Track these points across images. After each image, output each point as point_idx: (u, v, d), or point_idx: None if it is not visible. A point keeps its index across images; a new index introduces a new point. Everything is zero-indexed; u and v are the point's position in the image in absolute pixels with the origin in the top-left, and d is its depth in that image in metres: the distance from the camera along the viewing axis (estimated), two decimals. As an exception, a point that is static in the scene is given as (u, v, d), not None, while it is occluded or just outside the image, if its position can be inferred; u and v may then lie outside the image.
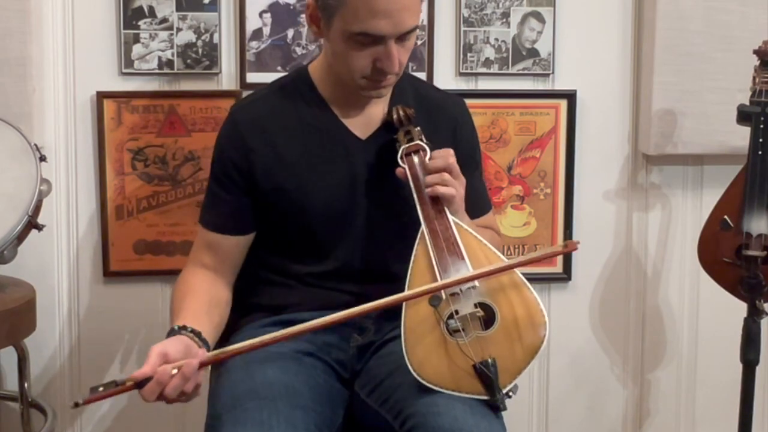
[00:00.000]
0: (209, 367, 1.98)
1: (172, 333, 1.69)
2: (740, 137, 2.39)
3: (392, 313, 1.76)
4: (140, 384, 1.55)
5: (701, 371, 2.79)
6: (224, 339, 1.95)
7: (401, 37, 1.75)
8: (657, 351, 2.77)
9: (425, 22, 2.52)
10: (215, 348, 1.74)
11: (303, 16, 2.46)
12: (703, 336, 2.77)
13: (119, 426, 2.61)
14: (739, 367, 2.38)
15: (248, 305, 1.95)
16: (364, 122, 1.92)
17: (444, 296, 1.67)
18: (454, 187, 1.78)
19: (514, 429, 1.70)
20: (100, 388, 1.54)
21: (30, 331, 2.27)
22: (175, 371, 1.57)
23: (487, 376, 1.64)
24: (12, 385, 2.48)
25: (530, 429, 2.76)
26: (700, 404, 2.80)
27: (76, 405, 1.52)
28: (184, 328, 1.69)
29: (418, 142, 1.83)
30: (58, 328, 2.55)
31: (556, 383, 2.75)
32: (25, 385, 2.30)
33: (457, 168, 1.80)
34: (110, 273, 2.52)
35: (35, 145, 2.22)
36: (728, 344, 2.46)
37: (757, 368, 2.38)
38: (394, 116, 1.88)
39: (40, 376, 2.54)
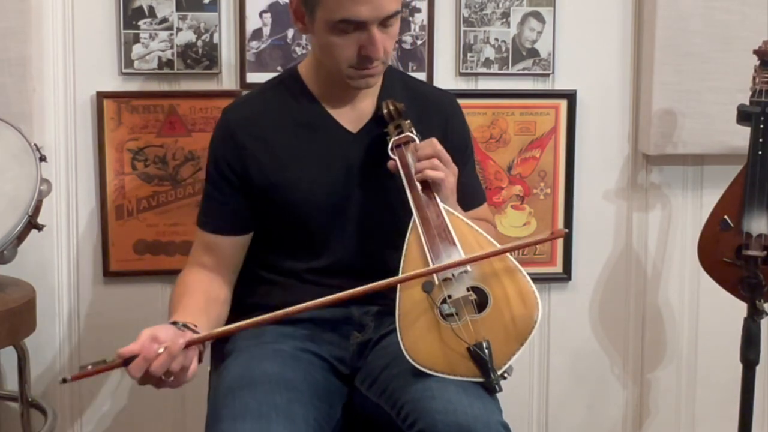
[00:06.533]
0: (208, 369, 1.99)
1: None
2: (740, 137, 2.39)
3: (391, 310, 1.76)
4: (127, 361, 1.57)
5: (701, 371, 2.79)
6: (224, 340, 1.95)
7: (383, 23, 1.78)
8: (657, 351, 2.77)
9: (425, 22, 2.52)
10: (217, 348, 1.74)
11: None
12: (703, 336, 2.77)
13: (119, 426, 2.61)
14: (739, 367, 2.38)
15: (246, 305, 1.95)
16: (354, 116, 1.94)
17: (437, 281, 1.69)
18: (443, 172, 1.80)
19: (513, 429, 1.70)
20: (89, 366, 1.56)
21: (30, 331, 2.27)
22: (162, 350, 1.59)
23: (481, 359, 1.65)
24: (12, 385, 2.48)
25: (530, 429, 2.76)
26: (700, 404, 2.80)
27: (64, 381, 1.55)
28: (176, 322, 1.69)
29: (408, 133, 1.85)
30: (58, 328, 2.55)
31: (556, 383, 2.75)
32: (25, 385, 2.30)
33: (446, 155, 1.82)
34: (110, 273, 2.53)
35: (35, 145, 2.22)
36: (728, 344, 2.46)
37: (757, 368, 2.38)
38: (384, 110, 1.90)
39: (40, 376, 2.54)
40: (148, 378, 1.60)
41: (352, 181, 1.91)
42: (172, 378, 1.62)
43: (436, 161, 1.80)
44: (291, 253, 1.93)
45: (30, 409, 2.34)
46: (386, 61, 1.85)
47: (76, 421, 2.61)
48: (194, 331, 1.68)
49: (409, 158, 1.82)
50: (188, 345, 1.62)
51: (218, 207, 1.93)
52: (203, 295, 1.85)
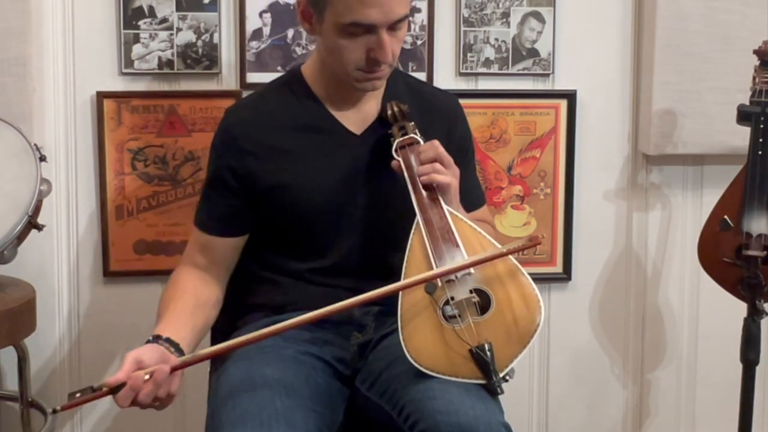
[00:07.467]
0: (208, 370, 1.99)
1: (149, 342, 1.70)
2: (740, 137, 2.39)
3: (391, 310, 1.76)
4: (114, 390, 1.58)
5: (701, 371, 2.79)
6: (223, 340, 1.95)
7: (392, 27, 1.78)
8: (657, 351, 2.77)
9: (425, 22, 2.52)
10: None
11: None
12: (703, 336, 2.77)
13: (119, 426, 2.61)
14: (739, 367, 2.38)
15: (247, 305, 1.95)
16: (358, 118, 1.93)
17: (440, 283, 1.69)
18: (449, 176, 1.81)
19: (514, 429, 1.70)
20: (77, 394, 1.57)
21: (30, 331, 2.27)
22: (147, 377, 1.59)
23: (483, 361, 1.65)
24: (12, 385, 2.48)
25: (530, 429, 2.76)
26: (700, 404, 2.80)
27: (54, 411, 1.57)
28: (159, 337, 1.70)
29: (412, 135, 1.86)
30: (58, 328, 2.55)
31: (556, 383, 2.75)
32: (25, 385, 2.31)
33: (448, 157, 1.82)
34: (110, 273, 2.53)
35: (35, 145, 2.22)
36: (728, 344, 2.46)
37: (757, 368, 2.38)
38: (389, 112, 1.90)
39: (40, 376, 2.54)
40: (136, 405, 1.61)
41: (356, 182, 1.90)
42: (158, 403, 1.63)
43: (438, 165, 1.80)
44: (294, 254, 1.92)
45: (30, 409, 2.34)
46: (393, 64, 1.85)
47: (75, 421, 2.61)
48: (179, 348, 1.69)
49: (413, 160, 1.82)
50: (173, 370, 1.63)
51: (216, 209, 1.93)
52: (192, 299, 1.85)
